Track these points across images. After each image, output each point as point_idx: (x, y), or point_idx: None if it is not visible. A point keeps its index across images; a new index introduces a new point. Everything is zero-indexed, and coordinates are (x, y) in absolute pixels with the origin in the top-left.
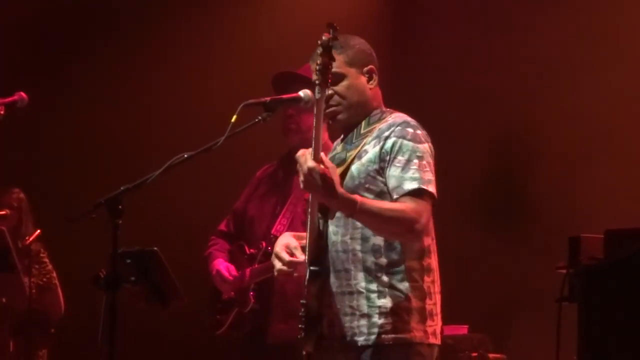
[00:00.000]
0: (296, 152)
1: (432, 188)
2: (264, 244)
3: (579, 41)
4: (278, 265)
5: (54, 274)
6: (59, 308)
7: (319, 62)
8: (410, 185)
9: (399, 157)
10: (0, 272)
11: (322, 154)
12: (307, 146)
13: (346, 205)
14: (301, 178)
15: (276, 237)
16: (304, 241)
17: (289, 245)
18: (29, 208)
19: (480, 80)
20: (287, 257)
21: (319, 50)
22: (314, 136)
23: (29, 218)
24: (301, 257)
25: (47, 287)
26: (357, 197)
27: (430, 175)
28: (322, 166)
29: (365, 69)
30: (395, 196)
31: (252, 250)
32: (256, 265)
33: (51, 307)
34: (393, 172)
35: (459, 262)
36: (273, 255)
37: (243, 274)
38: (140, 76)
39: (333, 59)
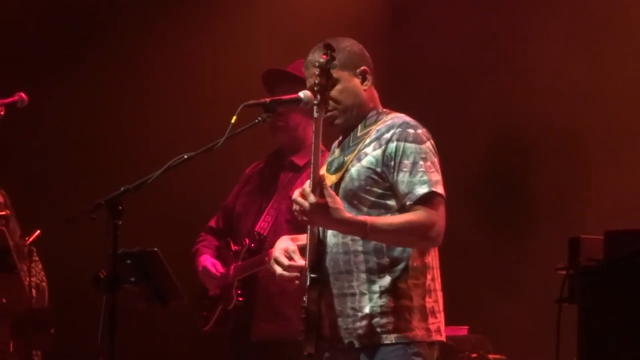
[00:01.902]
0: (284, 149)
1: (440, 189)
2: (247, 241)
3: (582, 37)
4: (278, 270)
5: (44, 273)
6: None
7: (317, 82)
8: (421, 190)
9: (405, 162)
10: (0, 272)
11: (324, 179)
12: (294, 143)
13: (356, 229)
14: (305, 217)
15: (259, 234)
16: (302, 242)
17: (287, 249)
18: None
19: (480, 77)
20: (286, 262)
21: (317, 72)
22: (312, 160)
23: (13, 214)
24: (300, 261)
25: (40, 286)
26: (366, 218)
27: (437, 176)
28: (323, 196)
29: (358, 70)
30: (408, 202)
31: (236, 247)
32: (239, 263)
33: (40, 306)
34: (402, 178)
35: (459, 263)
36: (272, 260)
37: (228, 271)
38: (140, 77)
39: (331, 79)
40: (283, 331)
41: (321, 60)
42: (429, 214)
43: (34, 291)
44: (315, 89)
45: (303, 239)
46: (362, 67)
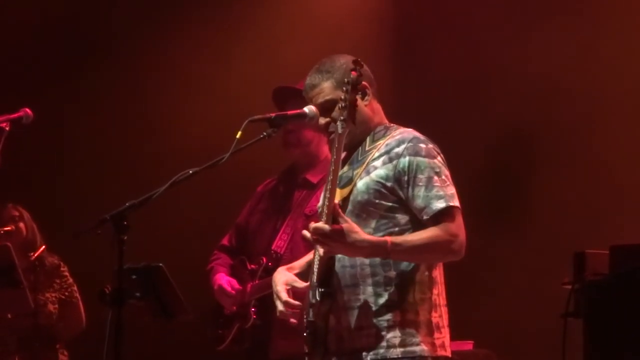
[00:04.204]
0: (297, 166)
1: (456, 202)
2: (264, 260)
3: (587, 42)
4: (280, 306)
5: (75, 288)
6: (80, 322)
7: (342, 97)
8: (438, 205)
9: (419, 176)
10: (6, 288)
11: (338, 207)
12: (307, 159)
13: (377, 251)
14: (325, 248)
15: (276, 253)
16: (297, 270)
17: (287, 282)
18: (30, 217)
19: (483, 83)
20: (284, 297)
21: (347, 88)
22: (331, 178)
23: (34, 226)
24: (301, 285)
25: (68, 302)
26: (386, 238)
27: (451, 189)
28: (340, 222)
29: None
30: (425, 217)
31: (252, 266)
32: (257, 281)
33: (72, 321)
34: (417, 192)
35: (465, 277)
36: (274, 296)
37: (244, 289)
38: (146, 93)
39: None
40: (302, 347)
41: (352, 76)
42: (449, 228)
43: (50, 306)
44: (343, 104)
45: (298, 267)
46: (361, 83)
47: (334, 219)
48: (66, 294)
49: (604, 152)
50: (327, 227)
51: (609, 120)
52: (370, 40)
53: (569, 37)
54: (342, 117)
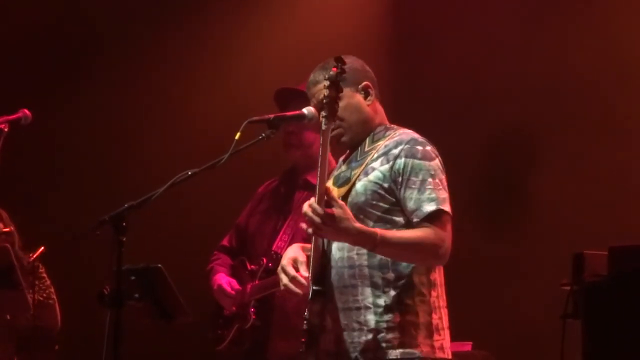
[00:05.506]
0: (298, 168)
1: (447, 207)
2: (264, 260)
3: (584, 45)
4: (284, 279)
5: (52, 289)
6: (56, 324)
7: (325, 94)
8: (428, 207)
9: (413, 178)
10: (4, 289)
11: (330, 191)
12: (308, 161)
13: (366, 240)
14: (313, 230)
15: (277, 254)
16: (310, 253)
17: (296, 260)
18: (8, 216)
19: (482, 84)
20: (292, 272)
21: (327, 84)
22: (319, 173)
23: (12, 226)
24: (305, 273)
25: (46, 303)
26: (377, 230)
27: (444, 193)
28: (333, 208)
29: (360, 86)
30: (415, 220)
31: (252, 267)
32: (257, 282)
33: (49, 322)
34: (409, 194)
35: (464, 278)
36: (279, 269)
37: (244, 289)
38: (146, 93)
39: (341, 91)
40: (300, 348)
41: (331, 72)
42: (437, 232)
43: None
44: (325, 101)
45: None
46: (364, 83)
47: (327, 203)
48: (44, 295)
49: (604, 153)
50: (320, 209)
51: (610, 120)
52: (370, 40)
53: (568, 36)
54: (323, 114)
